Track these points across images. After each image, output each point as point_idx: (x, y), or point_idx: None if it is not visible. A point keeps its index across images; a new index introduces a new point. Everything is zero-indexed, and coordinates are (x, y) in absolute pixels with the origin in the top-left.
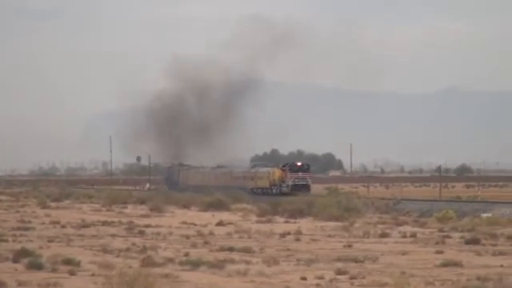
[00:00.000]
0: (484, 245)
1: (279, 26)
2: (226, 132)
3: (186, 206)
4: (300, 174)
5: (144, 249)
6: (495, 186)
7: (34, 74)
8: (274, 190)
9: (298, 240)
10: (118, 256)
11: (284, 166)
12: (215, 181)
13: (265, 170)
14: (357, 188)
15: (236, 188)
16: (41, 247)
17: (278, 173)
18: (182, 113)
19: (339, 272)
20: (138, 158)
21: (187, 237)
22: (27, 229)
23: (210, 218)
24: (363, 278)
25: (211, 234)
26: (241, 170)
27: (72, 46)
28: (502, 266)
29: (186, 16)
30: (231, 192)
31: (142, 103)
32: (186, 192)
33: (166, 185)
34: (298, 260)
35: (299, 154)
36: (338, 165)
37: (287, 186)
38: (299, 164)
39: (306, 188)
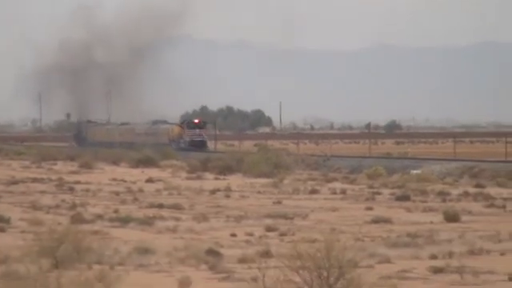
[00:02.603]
0: (414, 201)
1: None
2: (149, 88)
3: (115, 163)
4: (197, 130)
5: (73, 205)
6: (425, 142)
7: None
8: (173, 146)
9: (227, 197)
10: (47, 213)
11: (182, 123)
12: (120, 137)
13: (164, 127)
14: (287, 145)
15: (138, 144)
16: None
17: (176, 129)
18: (92, 65)
19: (269, 229)
20: (68, 115)
21: (117, 193)
22: None
23: (139, 174)
24: (293, 234)
25: (141, 190)
26: (142, 127)
27: None
28: (431, 222)
29: None
30: (159, 148)
31: (51, 57)
32: (92, 148)
33: (74, 141)
34: (227, 217)
35: (228, 111)
36: (268, 121)
37: (184, 142)
38: (196, 121)
39: (202, 144)
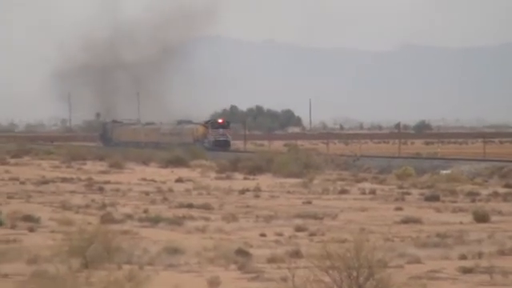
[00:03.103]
0: (443, 201)
1: None
2: (180, 88)
3: (145, 163)
4: (221, 130)
5: (103, 205)
6: (454, 142)
7: None
8: (198, 146)
9: (257, 197)
10: (77, 212)
11: (206, 123)
12: (145, 137)
13: (189, 126)
14: (316, 145)
15: (164, 144)
16: (0, 204)
17: (200, 129)
18: (119, 64)
19: (298, 229)
20: (97, 115)
21: (146, 193)
22: None
23: (169, 174)
24: (322, 234)
25: (170, 190)
26: (168, 126)
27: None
28: (461, 222)
29: None
30: (189, 148)
31: (78, 56)
32: (118, 148)
33: (101, 141)
34: (257, 217)
35: (258, 110)
36: (298, 121)
37: (208, 142)
38: (220, 121)
39: (226, 144)
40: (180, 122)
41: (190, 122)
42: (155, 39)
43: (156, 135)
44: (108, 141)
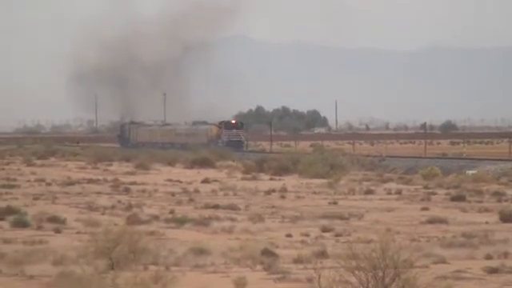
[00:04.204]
0: (469, 202)
1: None
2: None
3: (171, 164)
4: (234, 131)
5: (129, 206)
6: (480, 142)
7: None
8: (212, 146)
9: (283, 197)
10: (103, 214)
11: (220, 123)
12: (161, 138)
13: (204, 127)
14: (342, 145)
15: (179, 144)
16: (26, 205)
17: (214, 130)
18: (140, 65)
19: (324, 229)
20: (123, 116)
21: (172, 194)
22: (12, 186)
23: (195, 175)
24: (349, 235)
25: (196, 191)
26: (183, 127)
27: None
28: (487, 222)
29: None
30: (217, 149)
31: (100, 57)
32: (136, 149)
33: (119, 142)
34: (283, 217)
35: (284, 111)
36: (323, 122)
37: (222, 142)
38: (233, 122)
39: (239, 144)
40: (195, 123)
41: (204, 123)
42: (176, 39)
43: (171, 136)
44: (126, 141)
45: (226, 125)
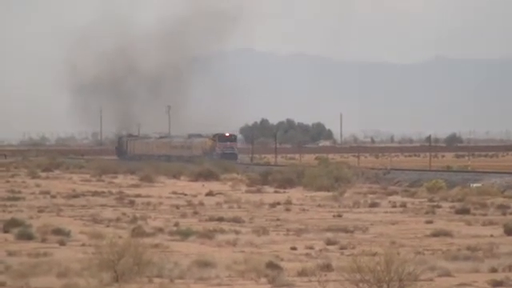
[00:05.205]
0: (474, 214)
1: None
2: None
3: (175, 176)
4: (228, 143)
5: (134, 219)
6: (485, 155)
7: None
8: (207, 158)
9: (287, 210)
10: (107, 226)
11: (214, 136)
12: (157, 150)
13: (198, 140)
14: (347, 158)
15: (174, 157)
16: (31, 217)
17: (209, 143)
18: (139, 78)
19: (329, 242)
20: (120, 129)
21: (177, 207)
22: (17, 199)
23: (199, 187)
24: (353, 247)
25: (201, 204)
26: (178, 140)
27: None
28: (491, 235)
29: None
30: (219, 162)
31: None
32: (132, 161)
33: (116, 154)
34: (287, 230)
35: (289, 124)
36: (328, 135)
37: (216, 154)
38: (227, 135)
39: (232, 156)
40: (190, 136)
41: (199, 136)
42: (177, 49)
43: (167, 148)
44: (123, 154)
45: (219, 137)
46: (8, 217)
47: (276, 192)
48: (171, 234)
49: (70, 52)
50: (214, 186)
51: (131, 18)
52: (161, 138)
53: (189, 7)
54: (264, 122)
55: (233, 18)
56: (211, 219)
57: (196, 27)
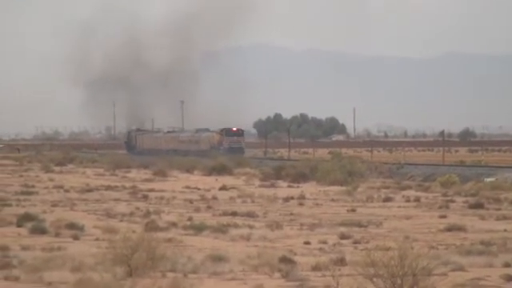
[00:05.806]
0: (488, 209)
1: None
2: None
3: (189, 171)
4: (235, 138)
5: (147, 213)
6: (499, 150)
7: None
8: (214, 152)
9: (301, 204)
10: (121, 220)
11: (221, 130)
12: (165, 144)
13: (206, 134)
14: (360, 152)
15: (182, 151)
16: (44, 212)
17: (216, 137)
18: (151, 72)
19: (343, 236)
20: (141, 123)
21: (190, 201)
22: (31, 193)
23: (213, 182)
24: (367, 242)
25: (214, 198)
26: (186, 134)
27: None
28: (505, 230)
29: None
30: (233, 157)
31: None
32: (141, 156)
33: (126, 149)
34: (301, 224)
35: (302, 118)
36: (342, 129)
37: (224, 149)
38: (234, 129)
39: (239, 150)
40: (198, 130)
41: (206, 130)
42: (190, 43)
43: (175, 142)
44: (132, 148)
45: (227, 132)
46: (21, 211)
47: (289, 186)
48: (185, 228)
49: (80, 46)
50: (228, 180)
51: (143, 12)
52: (168, 132)
53: (200, 0)
54: (277, 116)
55: (246, 11)
56: (225, 214)
57: (208, 21)
